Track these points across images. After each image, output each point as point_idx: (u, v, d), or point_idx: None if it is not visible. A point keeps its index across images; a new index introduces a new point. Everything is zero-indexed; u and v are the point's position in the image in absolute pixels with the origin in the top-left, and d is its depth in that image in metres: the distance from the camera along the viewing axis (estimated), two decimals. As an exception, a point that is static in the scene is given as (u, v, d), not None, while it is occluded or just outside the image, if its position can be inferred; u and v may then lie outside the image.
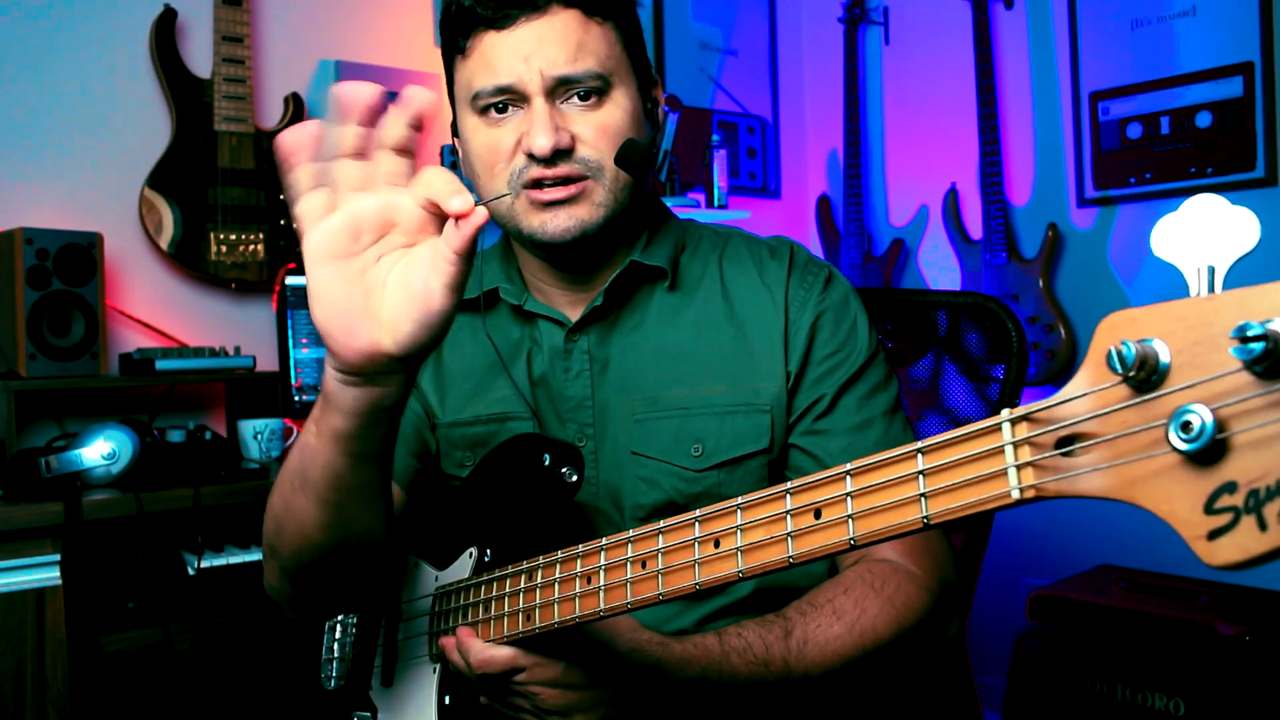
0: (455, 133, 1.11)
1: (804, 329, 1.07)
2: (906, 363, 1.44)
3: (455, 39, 1.03)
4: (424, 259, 0.72)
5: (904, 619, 0.98)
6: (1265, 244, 2.63)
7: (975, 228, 2.97)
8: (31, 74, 2.18)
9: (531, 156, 1.00)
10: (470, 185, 1.10)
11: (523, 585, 0.88)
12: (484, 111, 1.02)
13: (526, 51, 0.99)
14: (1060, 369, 2.79)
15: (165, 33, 2.26)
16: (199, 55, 2.33)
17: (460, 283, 0.73)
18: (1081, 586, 2.27)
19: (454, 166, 2.52)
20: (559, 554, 0.86)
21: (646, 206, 1.13)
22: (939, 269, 3.17)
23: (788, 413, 1.07)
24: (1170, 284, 2.68)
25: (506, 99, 1.01)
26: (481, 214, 0.71)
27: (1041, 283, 2.81)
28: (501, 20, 0.99)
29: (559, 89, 1.00)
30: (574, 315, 1.10)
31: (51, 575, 1.66)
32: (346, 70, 2.55)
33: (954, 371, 1.39)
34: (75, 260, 1.97)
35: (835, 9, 3.32)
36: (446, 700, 0.99)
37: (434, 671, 1.01)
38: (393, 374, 0.77)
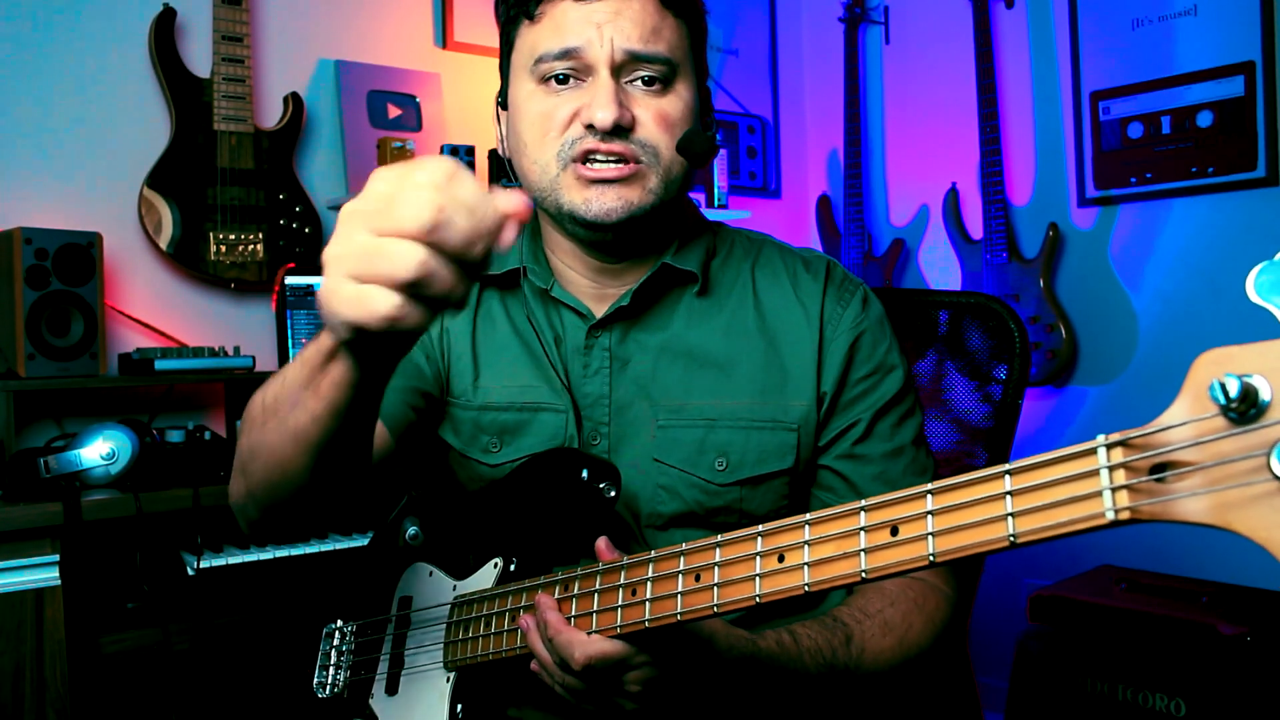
0: (503, 105, 1.09)
1: (841, 349, 1.06)
2: (908, 362, 1.44)
3: (527, 4, 1.01)
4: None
5: (938, 635, 1.03)
6: (1266, 244, 2.62)
7: (976, 227, 2.97)
8: (31, 73, 2.17)
9: (590, 128, 0.98)
10: (510, 162, 1.09)
11: (598, 586, 0.85)
12: (544, 80, 1.00)
13: (600, 20, 0.98)
14: (1061, 369, 2.79)
15: (164, 32, 2.26)
16: (198, 55, 2.33)
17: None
18: (1082, 587, 2.27)
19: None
20: (652, 553, 0.83)
21: (680, 207, 1.11)
22: (939, 269, 3.17)
23: (817, 433, 1.06)
24: (1172, 286, 2.67)
25: (570, 67, 0.99)
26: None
27: (1042, 282, 2.81)
28: None
29: (626, 67, 0.99)
30: (598, 310, 1.07)
31: (51, 575, 1.66)
32: (346, 70, 2.55)
33: (956, 371, 1.39)
34: (74, 260, 1.96)
35: (835, 9, 3.32)
36: (459, 709, 0.98)
37: (447, 680, 1.00)
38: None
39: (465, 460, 1.11)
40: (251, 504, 0.95)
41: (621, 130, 0.97)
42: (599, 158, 0.98)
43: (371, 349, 0.72)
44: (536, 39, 1.00)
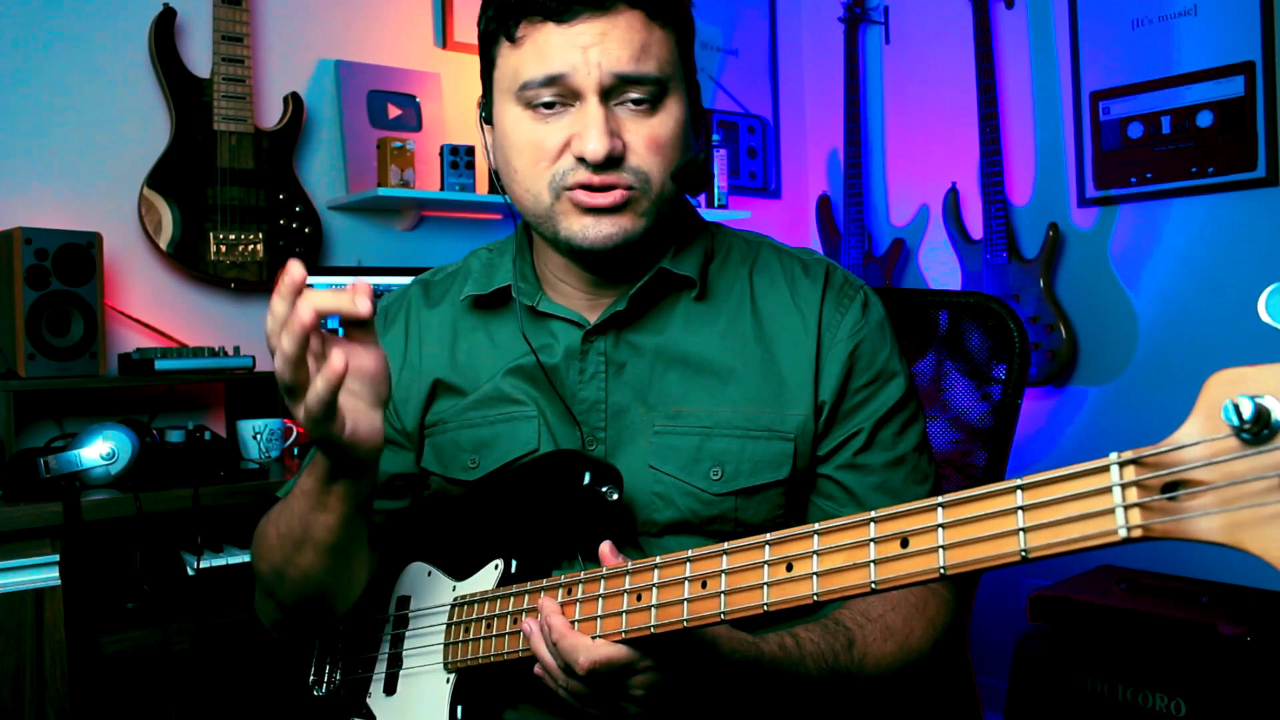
0: (487, 119, 1.07)
1: (840, 357, 1.04)
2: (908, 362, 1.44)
3: (506, 23, 0.98)
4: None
5: (939, 639, 1.03)
6: (1266, 244, 2.61)
7: (976, 227, 2.97)
8: (31, 73, 2.17)
9: (581, 160, 0.96)
10: (497, 173, 1.07)
11: (603, 591, 0.85)
12: (531, 105, 0.98)
13: (586, 43, 0.95)
14: (1061, 369, 2.79)
15: (164, 32, 2.26)
16: (198, 55, 2.33)
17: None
18: (1082, 587, 2.27)
19: (453, 166, 2.52)
20: (657, 559, 0.82)
21: (676, 213, 1.09)
22: (939, 269, 3.17)
23: (815, 443, 1.05)
24: (1172, 286, 2.67)
25: (557, 93, 0.97)
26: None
27: (1042, 282, 2.81)
28: (563, 13, 0.95)
29: (614, 90, 0.96)
30: (592, 316, 1.07)
31: (51, 575, 1.66)
32: (346, 70, 2.55)
33: (955, 371, 1.39)
34: (74, 260, 1.96)
35: (835, 9, 3.32)
36: (460, 710, 0.98)
37: (447, 681, 1.00)
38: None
39: (449, 483, 1.12)
40: (278, 611, 1.09)
41: (613, 160, 0.96)
42: (594, 187, 0.97)
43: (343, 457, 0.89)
44: (519, 63, 0.98)
